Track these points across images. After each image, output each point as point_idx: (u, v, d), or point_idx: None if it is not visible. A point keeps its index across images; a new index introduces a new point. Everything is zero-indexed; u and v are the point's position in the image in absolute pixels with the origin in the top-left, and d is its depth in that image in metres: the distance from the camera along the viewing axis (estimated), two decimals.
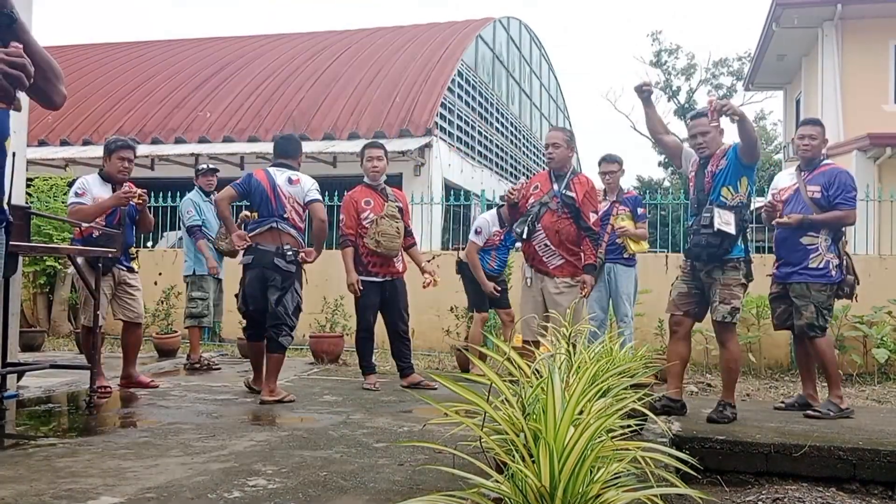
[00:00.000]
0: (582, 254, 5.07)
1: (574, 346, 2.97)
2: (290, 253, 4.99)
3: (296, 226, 5.09)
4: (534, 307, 4.93)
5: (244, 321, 5.24)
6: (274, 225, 5.02)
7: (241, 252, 5.15)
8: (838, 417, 4.45)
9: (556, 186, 4.98)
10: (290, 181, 5.11)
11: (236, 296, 5.30)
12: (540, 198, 4.97)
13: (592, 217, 5.05)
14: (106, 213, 5.07)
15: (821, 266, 4.59)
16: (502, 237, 6.32)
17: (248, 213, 5.37)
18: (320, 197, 5.18)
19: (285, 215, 5.04)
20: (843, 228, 4.82)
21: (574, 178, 5.07)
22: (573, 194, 4.97)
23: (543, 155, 5.28)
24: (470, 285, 6.42)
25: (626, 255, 6.06)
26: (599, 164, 6.26)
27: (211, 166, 7.02)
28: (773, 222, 4.74)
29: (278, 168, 5.19)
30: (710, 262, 4.37)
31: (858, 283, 4.75)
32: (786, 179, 4.96)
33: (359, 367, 5.76)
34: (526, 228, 4.90)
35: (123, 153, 5.20)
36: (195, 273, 6.58)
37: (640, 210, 6.12)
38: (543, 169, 5.38)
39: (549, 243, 4.91)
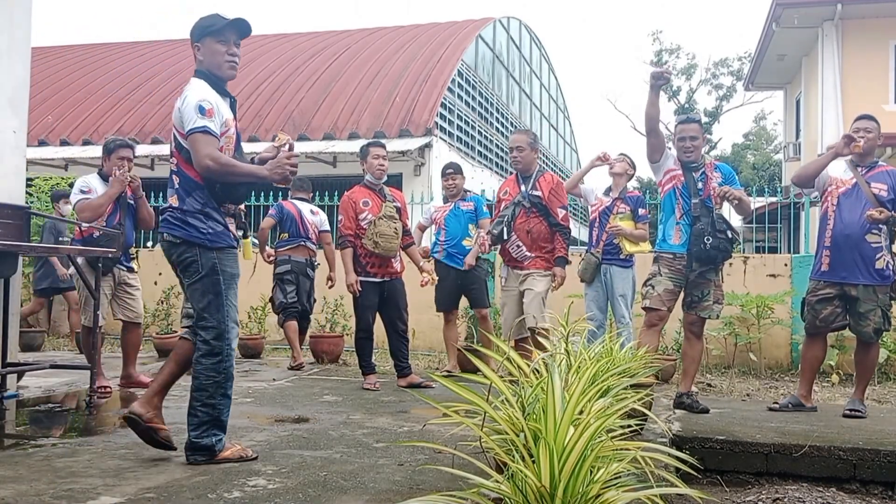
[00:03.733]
0: (554, 249, 5.21)
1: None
2: (315, 263, 6.92)
3: (314, 244, 6.88)
4: (511, 306, 5.10)
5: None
6: (302, 243, 6.78)
7: (276, 264, 6.84)
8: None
9: (523, 188, 5.14)
10: (311, 212, 6.90)
11: (271, 300, 6.92)
12: (510, 201, 5.12)
13: (561, 213, 5.14)
14: (112, 200, 5.05)
15: (884, 267, 4.49)
16: (445, 212, 6.48)
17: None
18: (329, 228, 7.04)
19: (309, 236, 6.81)
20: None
21: (540, 177, 5.22)
22: (539, 193, 5.12)
23: (510, 159, 5.32)
24: (439, 283, 6.32)
25: (622, 256, 6.02)
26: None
27: None
28: (868, 216, 4.41)
29: (300, 201, 6.87)
30: (718, 264, 4.61)
31: None
32: (840, 172, 4.69)
33: (359, 367, 5.77)
34: (504, 229, 5.03)
35: (123, 153, 5.21)
36: None
37: (641, 211, 6.09)
38: (547, 171, 5.44)
39: (521, 244, 5.05)
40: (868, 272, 4.49)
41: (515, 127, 21.23)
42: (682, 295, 4.72)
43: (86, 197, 5.07)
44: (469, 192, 6.65)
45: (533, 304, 5.06)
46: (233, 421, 4.18)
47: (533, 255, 4.99)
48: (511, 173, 5.53)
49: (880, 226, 4.47)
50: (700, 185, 4.63)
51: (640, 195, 6.33)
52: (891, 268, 4.52)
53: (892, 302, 4.61)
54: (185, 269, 3.22)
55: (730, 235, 4.56)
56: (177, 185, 3.23)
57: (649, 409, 3.57)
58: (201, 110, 3.11)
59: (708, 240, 4.50)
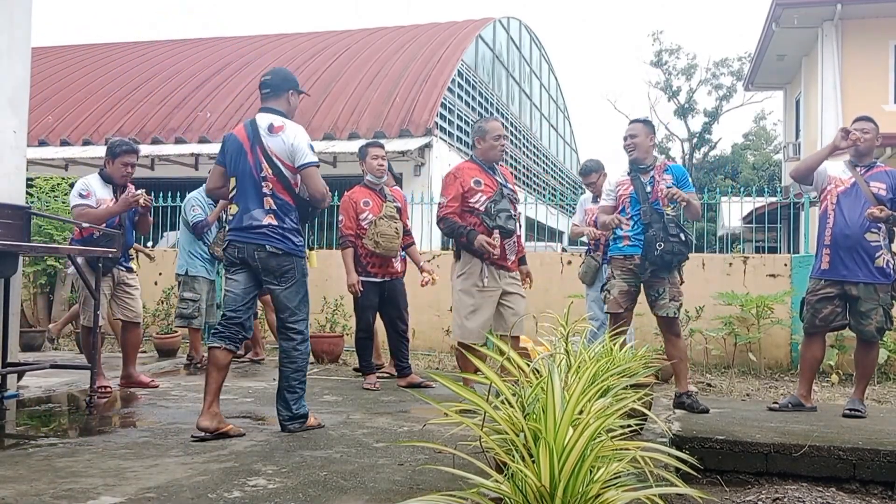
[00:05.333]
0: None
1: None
2: None
3: None
4: (493, 308, 4.71)
5: None
6: None
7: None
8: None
9: (499, 179, 4.84)
10: None
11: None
12: (492, 194, 4.73)
13: (518, 209, 5.01)
14: (114, 216, 5.05)
15: (884, 266, 4.49)
16: None
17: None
18: None
19: None
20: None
21: (500, 169, 4.95)
22: (511, 187, 4.90)
23: (493, 146, 4.82)
24: None
25: None
26: (580, 175, 6.37)
27: None
28: (869, 214, 4.40)
29: None
30: (673, 267, 4.66)
31: None
32: (839, 171, 4.69)
33: (359, 366, 5.76)
34: (516, 225, 4.74)
35: (128, 158, 5.19)
36: (187, 273, 6.54)
37: None
38: (501, 163, 5.03)
39: (515, 241, 4.80)
40: (868, 270, 4.50)
41: (515, 127, 21.24)
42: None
43: (85, 203, 5.05)
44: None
45: (523, 309, 4.87)
46: (233, 421, 4.19)
47: (514, 252, 4.88)
48: (512, 173, 5.13)
49: (879, 225, 4.49)
50: (648, 188, 4.70)
51: None
52: (891, 266, 4.53)
53: (894, 301, 4.61)
54: (283, 274, 3.83)
55: (683, 238, 4.60)
56: (273, 207, 3.80)
57: (649, 409, 3.57)
58: (311, 148, 3.86)
59: (660, 245, 4.55)
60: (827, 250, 4.61)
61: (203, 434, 3.68)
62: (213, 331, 3.96)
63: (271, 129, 3.83)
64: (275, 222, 3.79)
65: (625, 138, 4.86)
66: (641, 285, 4.77)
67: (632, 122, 4.98)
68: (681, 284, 4.78)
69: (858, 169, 4.63)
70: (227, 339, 3.82)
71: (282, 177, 3.80)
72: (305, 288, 3.91)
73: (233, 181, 3.92)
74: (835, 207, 4.60)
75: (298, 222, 3.90)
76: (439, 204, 4.82)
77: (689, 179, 4.86)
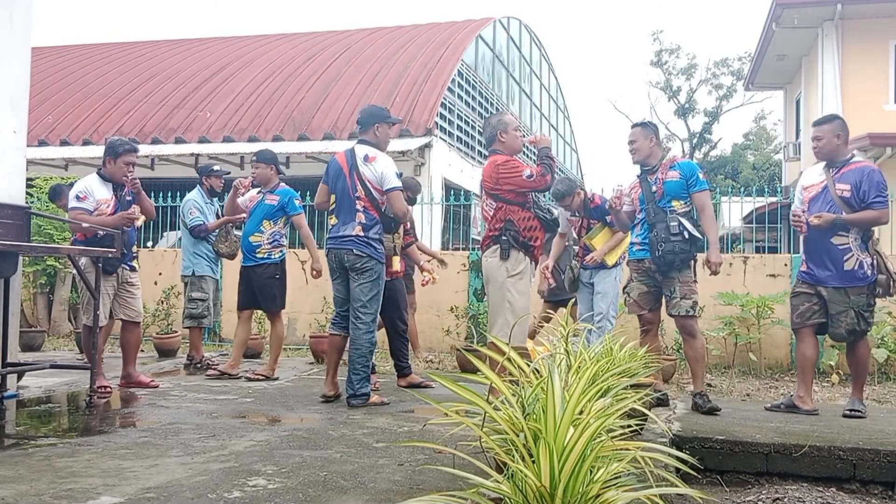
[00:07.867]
0: None
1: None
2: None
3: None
4: None
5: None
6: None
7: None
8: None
9: None
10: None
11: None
12: None
13: None
14: (107, 229, 5.04)
15: (856, 268, 4.46)
16: (254, 203, 6.14)
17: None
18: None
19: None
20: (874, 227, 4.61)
21: None
22: None
23: (515, 139, 4.77)
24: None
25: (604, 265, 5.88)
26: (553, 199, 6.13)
27: (220, 168, 6.98)
28: (807, 221, 4.52)
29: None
30: (677, 266, 4.63)
31: (895, 281, 4.52)
32: (814, 176, 4.74)
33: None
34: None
35: (130, 157, 5.20)
36: (194, 273, 6.55)
37: (609, 217, 5.85)
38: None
39: None
40: (837, 274, 4.51)
41: None
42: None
43: (82, 207, 5.05)
44: (282, 184, 6.05)
45: None
46: (233, 420, 4.19)
47: None
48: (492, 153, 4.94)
49: (848, 227, 4.48)
50: (654, 188, 4.74)
51: (601, 201, 5.93)
52: (865, 266, 4.49)
53: (872, 301, 4.55)
54: (363, 272, 4.68)
55: (686, 236, 4.58)
56: (362, 221, 4.71)
57: (649, 410, 3.57)
58: (397, 175, 4.77)
59: (660, 246, 4.59)
60: (804, 255, 4.73)
61: (326, 399, 4.83)
62: (332, 321, 4.96)
63: (366, 159, 4.73)
64: (362, 233, 4.69)
65: (628, 143, 4.93)
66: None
67: (631, 127, 5.03)
68: (694, 282, 4.71)
69: (831, 171, 4.63)
70: (343, 328, 4.85)
71: (371, 197, 4.72)
72: (379, 289, 4.75)
73: (332, 198, 4.85)
74: (807, 214, 4.61)
75: (382, 233, 4.76)
76: (528, 176, 4.51)
77: (699, 175, 4.75)
